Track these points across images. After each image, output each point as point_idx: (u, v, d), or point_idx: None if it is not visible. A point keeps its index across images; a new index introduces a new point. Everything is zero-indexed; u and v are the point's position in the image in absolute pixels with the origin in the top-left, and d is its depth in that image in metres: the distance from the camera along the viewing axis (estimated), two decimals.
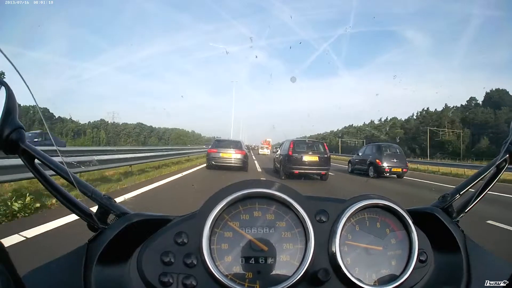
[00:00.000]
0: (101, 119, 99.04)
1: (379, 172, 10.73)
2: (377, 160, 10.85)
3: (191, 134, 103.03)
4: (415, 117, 67.84)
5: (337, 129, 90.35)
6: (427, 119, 60.07)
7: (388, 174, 10.77)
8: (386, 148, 11.51)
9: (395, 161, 10.96)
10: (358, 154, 12.79)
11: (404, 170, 10.90)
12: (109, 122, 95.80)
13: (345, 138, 72.94)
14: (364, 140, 57.94)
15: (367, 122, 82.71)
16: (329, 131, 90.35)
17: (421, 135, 56.50)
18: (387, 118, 75.58)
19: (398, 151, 11.50)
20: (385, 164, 10.70)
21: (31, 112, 66.73)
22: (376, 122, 77.95)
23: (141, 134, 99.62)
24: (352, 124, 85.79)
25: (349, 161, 13.65)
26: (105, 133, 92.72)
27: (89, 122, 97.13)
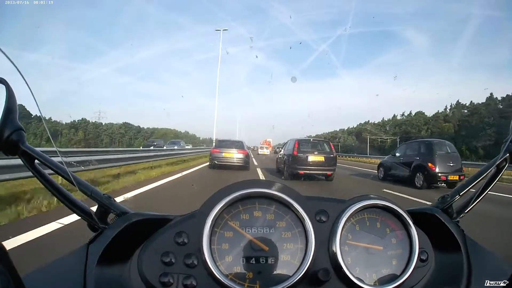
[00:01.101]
0: (82, 118, 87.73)
1: (431, 181, 7.61)
2: (429, 164, 7.62)
3: (183, 134, 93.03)
4: (448, 110, 56.02)
5: (350, 127, 76.55)
6: (486, 110, 44.75)
7: (442, 184, 7.67)
8: (438, 146, 8.21)
9: (452, 164, 7.65)
10: (394, 155, 9.39)
11: (461, 177, 7.58)
12: (92, 121, 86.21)
13: (364, 135, 58.63)
14: (398, 138, 47.68)
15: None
16: (338, 129, 78.53)
17: (486, 129, 40.43)
18: (410, 112, 63.81)
19: (450, 150, 8.25)
20: (439, 169, 7.48)
21: None
22: (399, 117, 65.67)
23: (126, 135, 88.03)
24: (369, 120, 72.68)
25: (380, 164, 10.12)
26: (84, 134, 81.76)
27: (67, 122, 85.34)
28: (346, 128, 78.99)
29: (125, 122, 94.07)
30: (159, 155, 11.02)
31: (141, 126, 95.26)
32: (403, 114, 66.76)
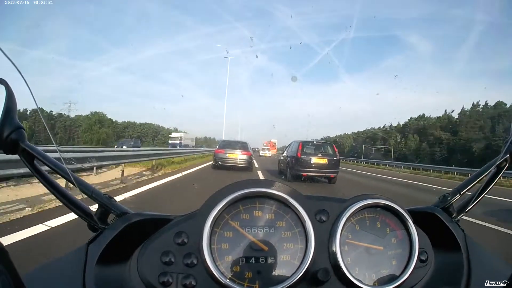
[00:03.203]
0: (39, 107, 65.38)
1: None
2: None
3: (167, 130, 70.67)
4: None
5: (400, 123, 52.78)
6: None
7: None
8: None
9: None
10: None
11: None
12: (48, 111, 63.68)
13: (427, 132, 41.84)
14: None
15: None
16: (377, 127, 57.50)
17: None
18: (478, 102, 42.83)
19: None
20: None
21: None
22: (480, 109, 42.65)
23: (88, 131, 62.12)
24: (424, 114, 51.32)
25: None
26: (31, 126, 58.25)
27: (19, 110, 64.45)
28: (389, 125, 55.35)
29: (94, 112, 68.66)
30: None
31: (113, 120, 73.62)
32: (477, 103, 43.94)
